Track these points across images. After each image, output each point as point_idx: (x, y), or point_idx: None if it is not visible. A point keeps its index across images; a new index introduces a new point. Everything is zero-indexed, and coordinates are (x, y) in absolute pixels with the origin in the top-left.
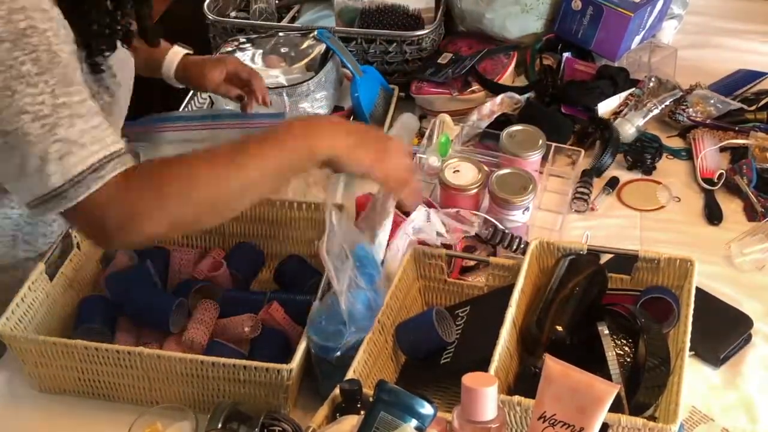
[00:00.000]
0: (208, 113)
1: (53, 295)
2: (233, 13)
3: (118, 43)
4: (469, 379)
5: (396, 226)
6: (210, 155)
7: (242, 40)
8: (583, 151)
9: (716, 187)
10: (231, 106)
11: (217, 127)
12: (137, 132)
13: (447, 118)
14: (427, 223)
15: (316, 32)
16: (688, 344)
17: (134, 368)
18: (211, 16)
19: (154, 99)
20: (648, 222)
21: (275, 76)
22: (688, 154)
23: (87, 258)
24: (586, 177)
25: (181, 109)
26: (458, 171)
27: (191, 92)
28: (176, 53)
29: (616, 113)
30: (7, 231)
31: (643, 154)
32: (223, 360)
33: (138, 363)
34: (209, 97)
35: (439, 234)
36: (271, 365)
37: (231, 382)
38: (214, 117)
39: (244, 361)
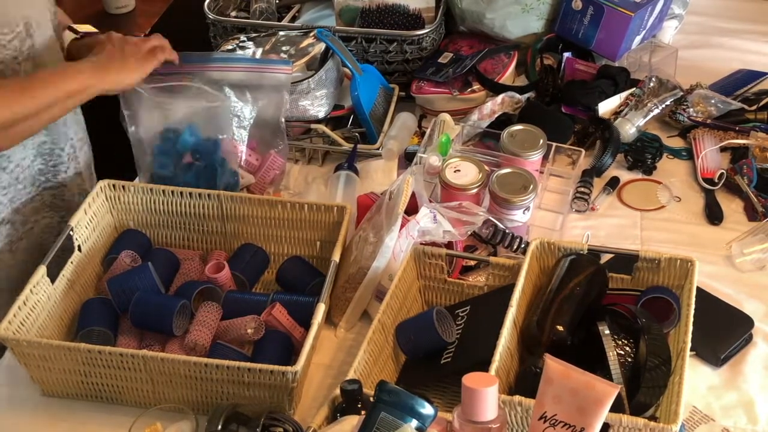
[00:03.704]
0: (220, 56)
1: (54, 297)
2: (233, 13)
3: None
4: (469, 379)
5: (401, 227)
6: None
7: (243, 38)
8: (583, 151)
9: (717, 187)
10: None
11: (227, 69)
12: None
13: (447, 117)
14: (433, 225)
15: (316, 31)
16: (689, 344)
17: (137, 371)
18: (211, 16)
19: None
20: (648, 222)
21: None
22: (688, 154)
23: (88, 260)
24: (587, 177)
25: None
26: (459, 170)
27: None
28: (67, 37)
29: (617, 113)
30: None
31: (643, 154)
32: (227, 362)
33: (141, 366)
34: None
35: (446, 231)
36: (277, 367)
37: (235, 384)
38: (225, 60)
39: (248, 364)
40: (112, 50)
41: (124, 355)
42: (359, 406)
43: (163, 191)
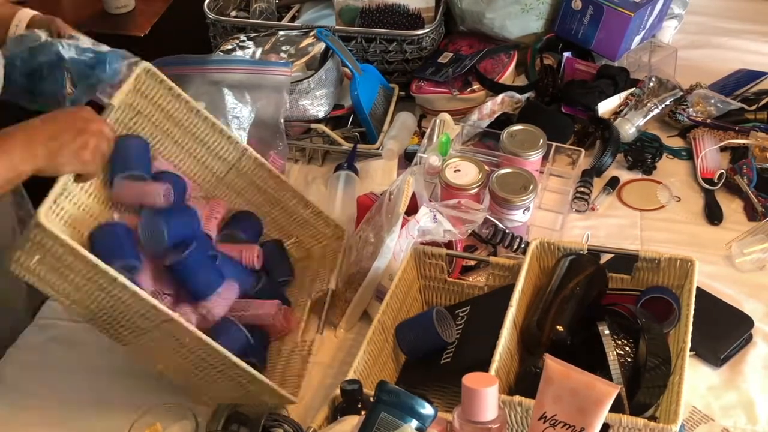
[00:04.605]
0: (219, 58)
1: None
2: (233, 13)
3: None
4: (469, 379)
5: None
6: None
7: (242, 38)
8: (583, 151)
9: (716, 187)
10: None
11: (226, 71)
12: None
13: (447, 117)
14: (433, 224)
15: (315, 31)
16: (688, 344)
17: (152, 328)
18: (211, 16)
19: None
20: (648, 222)
21: None
22: (688, 154)
23: None
24: (587, 177)
25: None
26: (459, 170)
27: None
28: (26, 14)
29: (617, 113)
30: None
31: (643, 154)
32: (230, 368)
33: (158, 320)
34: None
35: (447, 230)
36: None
37: (236, 383)
38: (224, 62)
39: (252, 371)
40: (67, 120)
41: (149, 308)
42: (359, 406)
43: None
